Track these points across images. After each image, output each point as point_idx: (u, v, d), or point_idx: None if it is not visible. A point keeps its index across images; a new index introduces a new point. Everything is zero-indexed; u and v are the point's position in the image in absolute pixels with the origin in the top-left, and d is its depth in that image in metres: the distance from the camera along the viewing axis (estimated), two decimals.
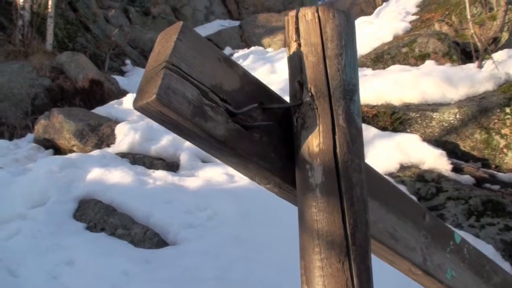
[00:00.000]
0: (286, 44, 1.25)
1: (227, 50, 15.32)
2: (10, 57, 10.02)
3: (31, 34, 10.93)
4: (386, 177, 4.56)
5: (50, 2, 11.39)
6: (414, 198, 4.21)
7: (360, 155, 1.18)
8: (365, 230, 1.16)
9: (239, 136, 1.11)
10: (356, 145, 1.16)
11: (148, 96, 0.99)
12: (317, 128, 1.13)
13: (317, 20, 1.16)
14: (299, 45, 1.18)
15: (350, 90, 1.16)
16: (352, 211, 1.13)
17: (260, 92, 1.20)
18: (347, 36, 1.18)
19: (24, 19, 10.81)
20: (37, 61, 9.13)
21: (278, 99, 1.25)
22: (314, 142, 1.13)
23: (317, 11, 1.17)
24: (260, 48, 14.04)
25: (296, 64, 1.18)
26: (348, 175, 1.13)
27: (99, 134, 5.87)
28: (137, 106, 1.02)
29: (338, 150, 1.13)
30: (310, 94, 1.13)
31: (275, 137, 1.20)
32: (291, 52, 1.20)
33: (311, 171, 1.13)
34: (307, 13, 1.17)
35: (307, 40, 1.16)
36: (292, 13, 1.22)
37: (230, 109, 1.09)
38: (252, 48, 13.96)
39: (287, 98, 1.29)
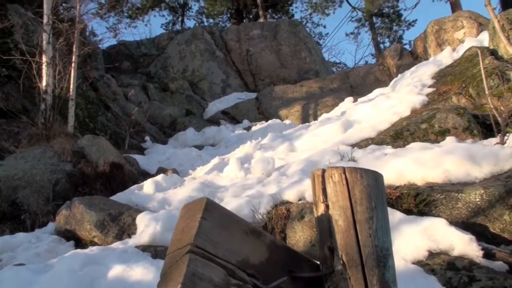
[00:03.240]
0: (313, 203, 1.21)
1: (245, 123, 15.50)
2: (33, 140, 10.22)
3: (53, 117, 11.19)
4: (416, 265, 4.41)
5: (71, 86, 11.72)
6: None
7: None
8: None
9: None
10: None
11: (173, 285, 0.94)
12: None
13: (344, 182, 1.12)
14: (327, 207, 1.14)
15: (384, 255, 1.10)
16: None
17: (289, 258, 1.15)
18: (377, 198, 1.14)
19: (47, 103, 11.09)
20: (59, 146, 9.27)
21: (308, 263, 1.20)
22: None
23: (344, 172, 1.14)
24: (278, 120, 14.18)
25: (325, 227, 1.14)
26: None
27: (120, 224, 5.84)
28: None
29: None
30: (341, 262, 1.08)
31: None
32: (319, 214, 1.16)
33: None
34: (333, 174, 1.14)
35: (335, 203, 1.12)
36: (318, 172, 1.18)
37: (258, 284, 1.03)
38: (270, 121, 14.09)
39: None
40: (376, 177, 1.17)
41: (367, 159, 6.23)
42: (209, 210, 1.02)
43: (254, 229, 1.07)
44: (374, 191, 1.15)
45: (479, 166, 5.36)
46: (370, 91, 12.45)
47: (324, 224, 1.15)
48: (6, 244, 5.85)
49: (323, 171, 1.18)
